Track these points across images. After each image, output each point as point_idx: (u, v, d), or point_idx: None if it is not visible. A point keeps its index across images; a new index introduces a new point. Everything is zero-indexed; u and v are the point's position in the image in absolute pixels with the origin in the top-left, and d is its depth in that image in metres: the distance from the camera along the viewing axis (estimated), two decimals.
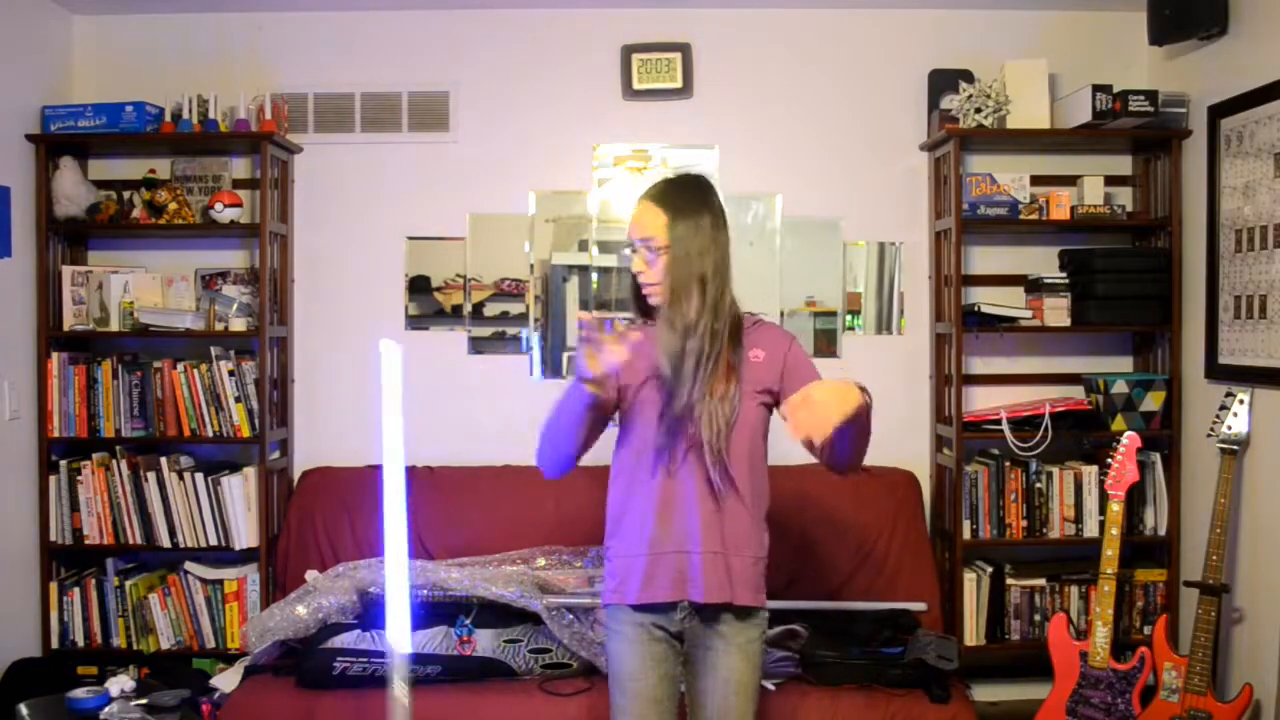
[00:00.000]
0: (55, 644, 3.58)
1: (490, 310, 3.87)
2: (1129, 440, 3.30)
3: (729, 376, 2.21)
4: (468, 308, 3.86)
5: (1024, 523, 3.63)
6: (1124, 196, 3.82)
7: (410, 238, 3.86)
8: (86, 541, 3.58)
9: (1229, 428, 3.17)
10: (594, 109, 3.84)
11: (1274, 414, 3.12)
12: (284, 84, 3.79)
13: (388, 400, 2.01)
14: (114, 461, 3.59)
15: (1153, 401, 3.59)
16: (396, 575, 1.87)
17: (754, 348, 2.27)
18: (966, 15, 3.83)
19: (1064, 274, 3.69)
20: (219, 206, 3.61)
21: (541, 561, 3.42)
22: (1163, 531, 3.64)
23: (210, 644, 3.60)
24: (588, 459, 3.53)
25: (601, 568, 3.28)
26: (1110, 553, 3.23)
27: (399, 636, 1.96)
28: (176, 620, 3.61)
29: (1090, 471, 3.61)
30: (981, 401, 3.74)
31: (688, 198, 2.26)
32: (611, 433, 2.33)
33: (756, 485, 2.28)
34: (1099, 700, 3.20)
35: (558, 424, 2.21)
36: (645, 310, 2.32)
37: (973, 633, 3.63)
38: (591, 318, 2.09)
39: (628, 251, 2.31)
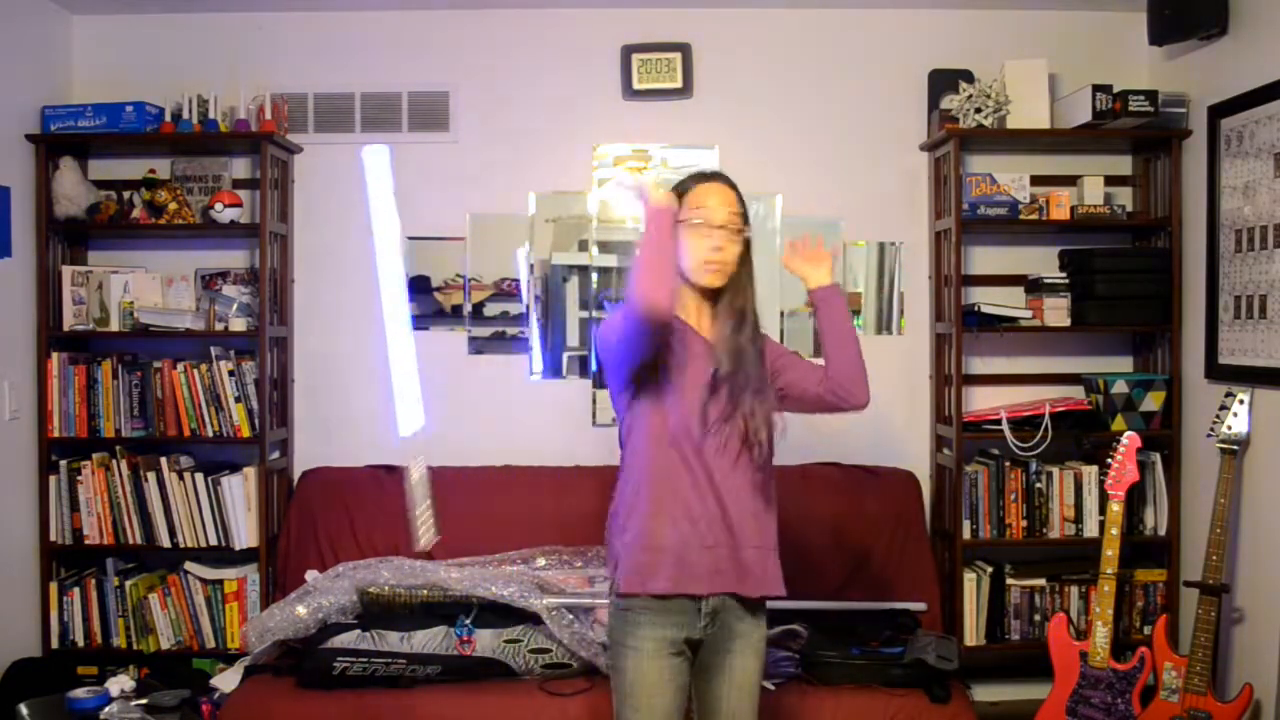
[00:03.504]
0: (55, 644, 3.58)
1: (490, 310, 3.87)
2: (1129, 440, 3.30)
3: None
4: (468, 308, 3.87)
5: (1024, 523, 3.63)
6: (1124, 196, 3.82)
7: (410, 238, 3.86)
8: (86, 541, 3.58)
9: (1229, 428, 3.17)
10: (594, 109, 3.84)
11: (1274, 414, 3.12)
12: (284, 84, 3.79)
13: None
14: (114, 461, 3.59)
15: (1153, 401, 3.59)
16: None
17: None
18: (966, 15, 3.83)
19: (1064, 274, 3.69)
20: (219, 206, 3.61)
21: (541, 561, 3.42)
22: (1163, 531, 3.64)
23: (210, 644, 3.60)
24: (587, 459, 3.53)
25: (602, 568, 3.29)
26: (1110, 553, 3.24)
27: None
28: (176, 620, 3.61)
29: (1090, 471, 3.61)
30: (981, 401, 3.74)
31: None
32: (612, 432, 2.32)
33: (773, 477, 2.32)
34: (1099, 700, 3.20)
35: (655, 260, 2.10)
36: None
37: (973, 633, 3.63)
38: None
39: (696, 225, 2.22)
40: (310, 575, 3.37)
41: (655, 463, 2.20)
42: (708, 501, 2.19)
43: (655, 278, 2.08)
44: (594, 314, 3.84)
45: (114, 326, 3.61)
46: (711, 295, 2.29)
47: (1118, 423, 3.56)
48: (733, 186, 2.29)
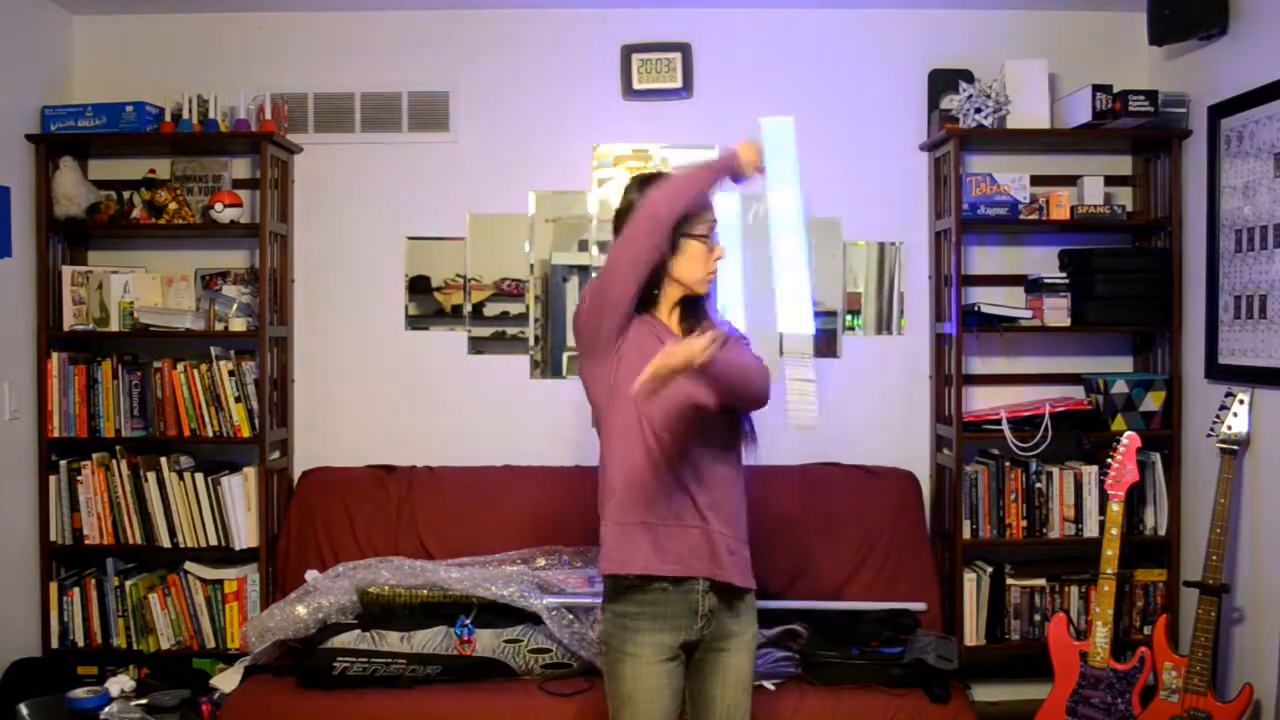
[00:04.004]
0: (55, 644, 3.58)
1: (490, 310, 3.87)
2: (1129, 440, 3.30)
3: None
4: (468, 308, 3.87)
5: (1024, 523, 3.63)
6: (1124, 196, 3.82)
7: (410, 238, 3.86)
8: (86, 541, 3.58)
9: (1229, 428, 3.17)
10: (594, 109, 3.84)
11: (1274, 414, 3.12)
12: (284, 84, 3.79)
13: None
14: (114, 461, 3.59)
15: (1153, 401, 3.59)
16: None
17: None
18: (966, 15, 3.83)
19: (1064, 274, 3.69)
20: (219, 206, 3.61)
21: (541, 561, 3.42)
22: (1163, 531, 3.64)
23: (210, 644, 3.60)
24: (586, 459, 3.53)
25: None
26: (1110, 553, 3.24)
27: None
28: (176, 620, 3.61)
29: (1090, 471, 3.61)
30: (981, 401, 3.74)
31: None
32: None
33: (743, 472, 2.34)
34: (1099, 700, 3.20)
35: (693, 184, 2.23)
36: (652, 304, 2.31)
37: (973, 633, 3.63)
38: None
39: (715, 237, 2.32)
40: (310, 575, 3.37)
41: (628, 449, 2.21)
42: (680, 487, 2.20)
43: (684, 193, 2.18)
44: None
45: (114, 326, 3.61)
46: (683, 299, 2.32)
47: (1118, 423, 3.56)
48: None
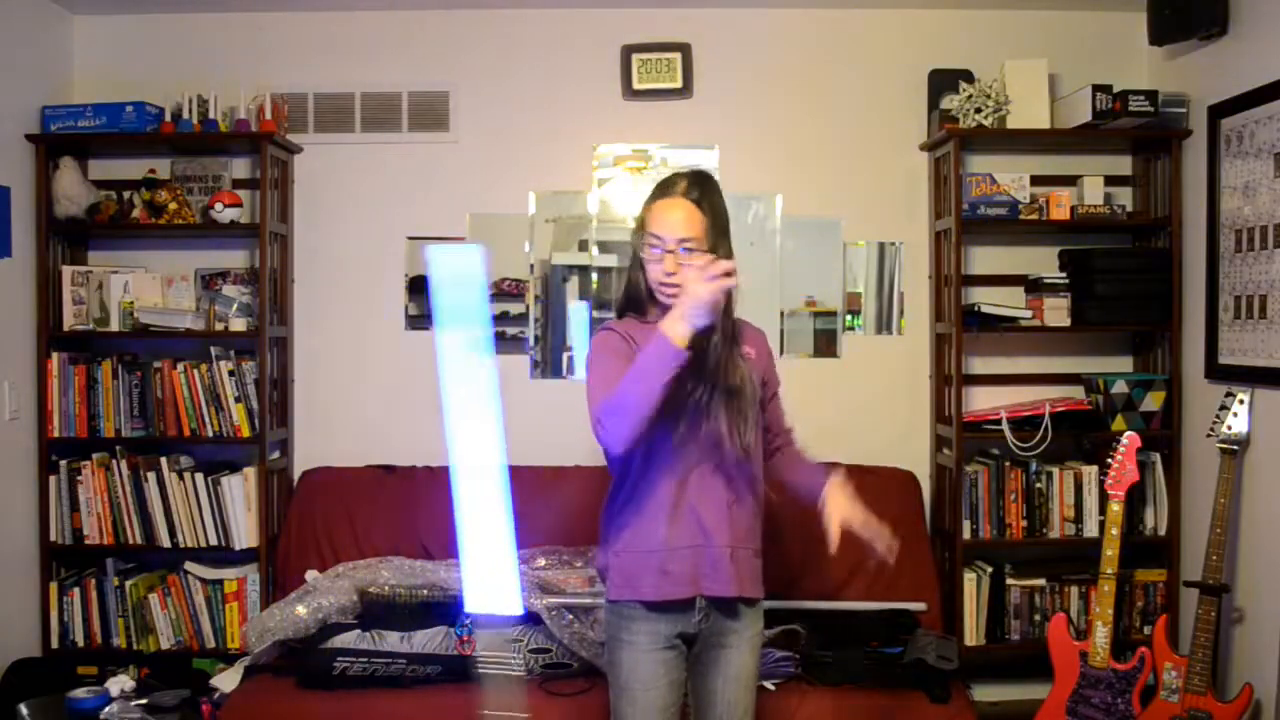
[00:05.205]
0: (55, 644, 3.58)
1: (490, 310, 3.87)
2: (1129, 440, 3.30)
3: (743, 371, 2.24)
4: None
5: (1024, 523, 3.63)
6: (1124, 196, 3.82)
7: (410, 238, 3.86)
8: (86, 541, 3.58)
9: (1229, 428, 3.17)
10: (594, 109, 3.84)
11: (1274, 414, 3.12)
12: (284, 84, 3.79)
13: None
14: (114, 461, 3.59)
15: (1153, 401, 3.59)
16: None
17: (745, 344, 2.30)
18: (966, 15, 3.83)
19: (1064, 274, 3.69)
20: (219, 206, 3.61)
21: (541, 561, 3.42)
22: (1163, 531, 3.64)
23: (210, 644, 3.60)
24: (586, 459, 3.53)
25: None
26: (1110, 553, 3.24)
27: None
28: (176, 620, 3.61)
29: (1090, 471, 3.61)
30: (981, 401, 3.74)
31: (718, 197, 2.24)
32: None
33: (760, 477, 2.31)
34: (1099, 700, 3.20)
35: (645, 392, 2.02)
36: (637, 308, 2.30)
37: (973, 633, 3.63)
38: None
39: (653, 250, 2.19)
40: (310, 575, 3.37)
41: (638, 473, 2.22)
42: (685, 505, 2.20)
43: (634, 410, 2.02)
44: (594, 314, 3.84)
45: (114, 326, 3.61)
46: None
47: (1118, 423, 3.56)
48: (698, 200, 2.19)
